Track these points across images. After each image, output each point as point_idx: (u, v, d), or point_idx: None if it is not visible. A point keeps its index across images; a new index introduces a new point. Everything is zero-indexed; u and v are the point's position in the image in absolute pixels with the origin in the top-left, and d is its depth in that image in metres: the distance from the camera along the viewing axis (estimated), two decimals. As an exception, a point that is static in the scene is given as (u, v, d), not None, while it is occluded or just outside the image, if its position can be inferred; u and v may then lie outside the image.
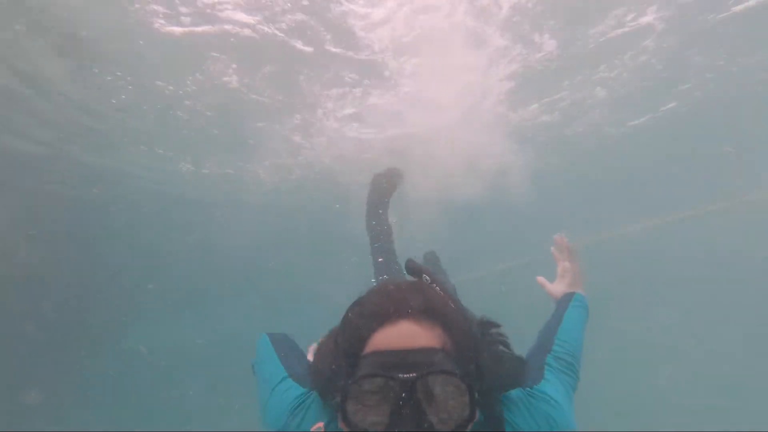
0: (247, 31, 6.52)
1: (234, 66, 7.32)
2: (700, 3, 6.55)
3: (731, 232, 15.61)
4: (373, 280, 4.27)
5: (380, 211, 4.86)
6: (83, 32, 6.34)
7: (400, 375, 0.97)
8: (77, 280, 11.97)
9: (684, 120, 9.65)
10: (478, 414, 1.02)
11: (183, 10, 6.02)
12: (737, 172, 11.77)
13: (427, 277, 1.26)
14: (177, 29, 6.33)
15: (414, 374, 0.97)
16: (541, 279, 2.28)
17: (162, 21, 6.16)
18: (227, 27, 6.40)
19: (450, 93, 8.14)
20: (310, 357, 2.24)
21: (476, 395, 1.00)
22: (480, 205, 10.57)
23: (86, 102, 8.12)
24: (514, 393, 1.29)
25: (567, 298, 1.98)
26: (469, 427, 1.00)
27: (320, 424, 1.23)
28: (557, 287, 2.17)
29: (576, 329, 1.76)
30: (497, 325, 1.29)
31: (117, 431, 12.47)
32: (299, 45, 6.82)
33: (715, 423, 17.03)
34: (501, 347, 1.26)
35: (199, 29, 6.38)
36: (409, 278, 1.32)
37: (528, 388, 1.34)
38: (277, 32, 6.56)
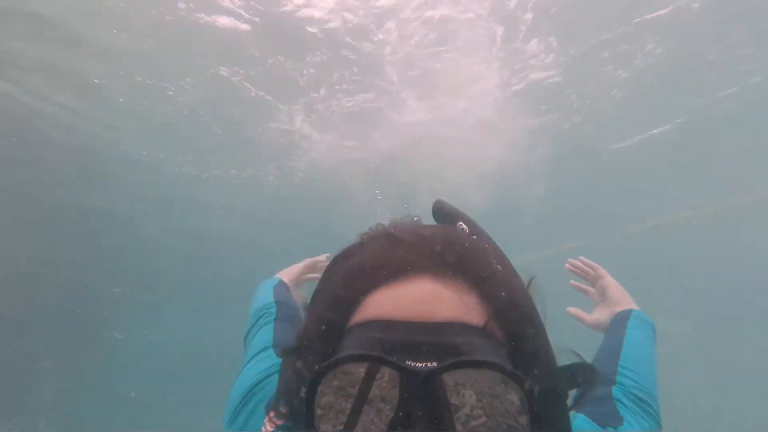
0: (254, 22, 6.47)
1: (235, 66, 7.28)
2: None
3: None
4: None
5: None
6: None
7: (410, 362, 0.57)
8: (74, 279, 12.02)
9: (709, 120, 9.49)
10: None
11: (181, 6, 5.99)
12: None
13: (464, 226, 0.83)
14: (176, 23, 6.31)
15: (434, 363, 0.57)
16: (573, 310, 1.67)
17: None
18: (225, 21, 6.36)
19: (460, 99, 8.10)
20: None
21: (539, 409, 0.59)
22: (485, 208, 10.50)
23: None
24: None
25: (622, 318, 1.44)
26: None
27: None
28: (600, 314, 1.60)
29: (645, 357, 1.25)
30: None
31: (115, 431, 12.47)
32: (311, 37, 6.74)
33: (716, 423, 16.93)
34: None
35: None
36: None
37: (611, 428, 0.96)
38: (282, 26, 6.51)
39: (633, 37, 7.09)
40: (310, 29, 6.56)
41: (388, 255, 0.69)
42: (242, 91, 7.86)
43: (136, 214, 12.20)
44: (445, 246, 0.70)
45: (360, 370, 0.59)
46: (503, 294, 0.67)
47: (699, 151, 10.76)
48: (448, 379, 0.57)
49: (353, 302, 0.67)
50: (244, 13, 6.20)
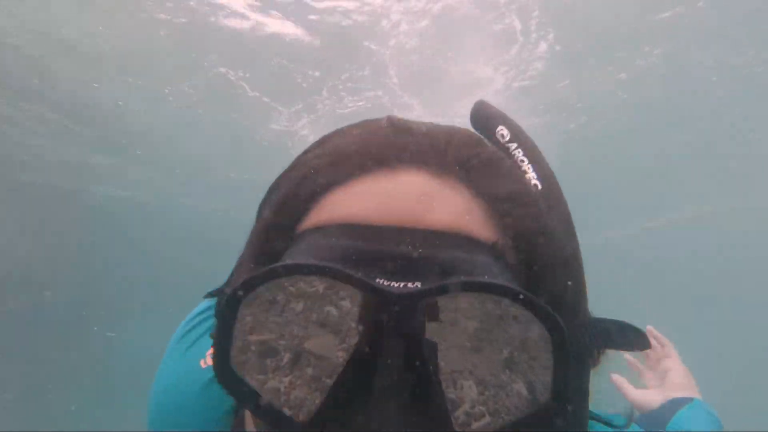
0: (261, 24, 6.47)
1: (240, 68, 7.27)
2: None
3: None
4: None
5: None
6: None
7: (381, 281, 0.39)
8: (70, 278, 12.02)
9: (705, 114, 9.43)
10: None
11: (189, 5, 5.98)
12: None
13: (504, 132, 0.61)
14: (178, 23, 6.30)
15: (417, 284, 0.39)
16: (618, 379, 1.29)
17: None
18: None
19: (463, 100, 8.06)
20: None
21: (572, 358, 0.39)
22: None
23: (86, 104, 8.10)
24: None
25: (677, 402, 1.14)
26: None
27: None
28: (651, 395, 1.24)
29: None
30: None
31: (111, 431, 12.40)
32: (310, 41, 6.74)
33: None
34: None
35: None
36: None
37: None
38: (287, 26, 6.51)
39: (635, 39, 7.07)
40: (310, 30, 6.55)
41: (372, 140, 0.49)
42: (242, 91, 7.85)
43: (133, 215, 12.21)
44: (456, 141, 0.50)
45: (306, 286, 0.39)
46: (527, 210, 0.47)
47: (702, 153, 10.75)
48: (443, 306, 0.39)
49: (310, 199, 0.47)
50: (244, 16, 6.19)
